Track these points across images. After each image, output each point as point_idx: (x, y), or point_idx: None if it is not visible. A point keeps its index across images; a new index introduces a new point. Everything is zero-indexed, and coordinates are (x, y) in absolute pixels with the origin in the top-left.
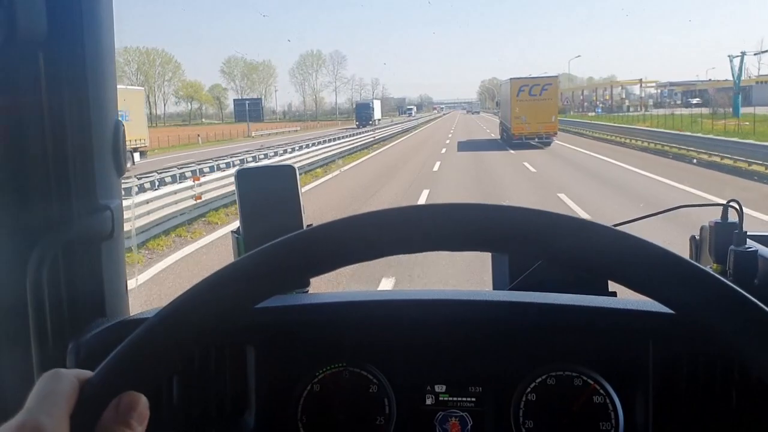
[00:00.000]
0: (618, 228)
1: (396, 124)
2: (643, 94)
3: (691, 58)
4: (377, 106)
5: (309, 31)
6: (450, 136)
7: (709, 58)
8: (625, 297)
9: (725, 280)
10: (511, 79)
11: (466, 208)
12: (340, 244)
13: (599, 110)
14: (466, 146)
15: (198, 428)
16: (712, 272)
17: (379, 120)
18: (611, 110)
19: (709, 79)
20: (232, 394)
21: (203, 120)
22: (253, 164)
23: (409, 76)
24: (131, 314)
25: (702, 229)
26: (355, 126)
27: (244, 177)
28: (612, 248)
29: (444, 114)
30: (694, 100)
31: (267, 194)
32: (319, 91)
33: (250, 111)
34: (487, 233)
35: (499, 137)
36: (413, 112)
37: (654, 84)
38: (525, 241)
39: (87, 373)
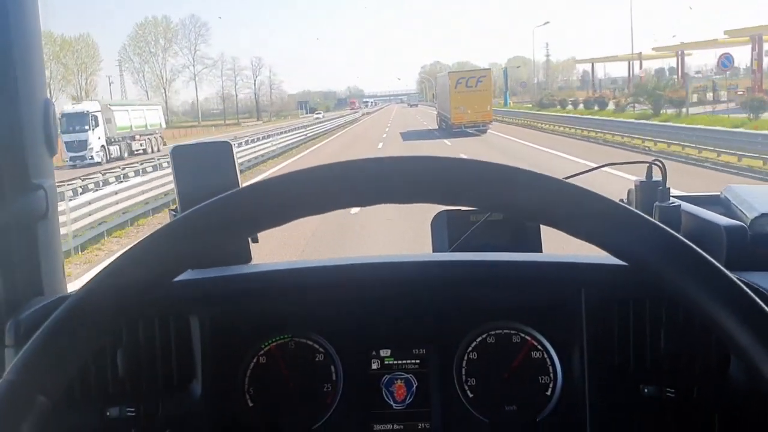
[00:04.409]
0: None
1: None
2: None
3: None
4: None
5: None
6: None
7: None
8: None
9: (673, 232)
10: (448, 72)
11: (416, 160)
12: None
13: None
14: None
15: (145, 399)
16: (660, 224)
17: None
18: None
19: None
20: (177, 365)
21: None
22: (188, 141)
23: (335, 65)
24: (68, 291)
25: (629, 192)
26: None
27: (179, 154)
28: (570, 201)
29: (369, 112)
30: None
31: (204, 170)
32: (170, 80)
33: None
34: (440, 186)
35: (436, 127)
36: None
37: None
38: (482, 193)
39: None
